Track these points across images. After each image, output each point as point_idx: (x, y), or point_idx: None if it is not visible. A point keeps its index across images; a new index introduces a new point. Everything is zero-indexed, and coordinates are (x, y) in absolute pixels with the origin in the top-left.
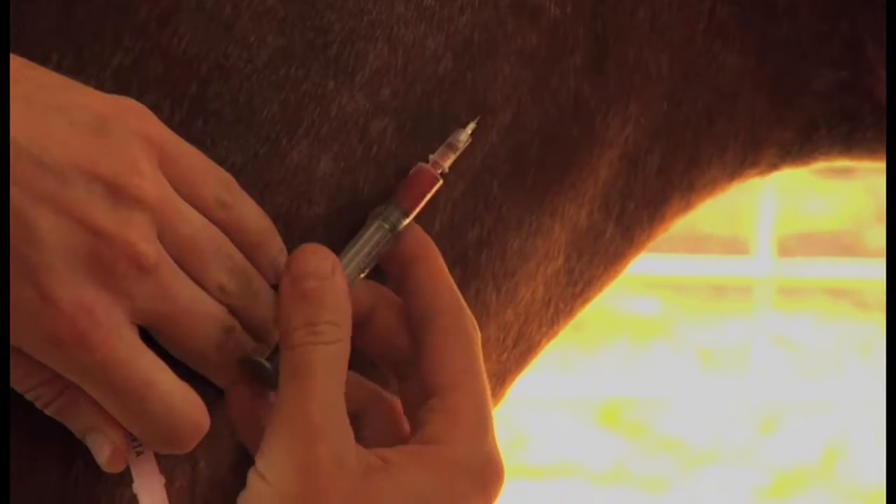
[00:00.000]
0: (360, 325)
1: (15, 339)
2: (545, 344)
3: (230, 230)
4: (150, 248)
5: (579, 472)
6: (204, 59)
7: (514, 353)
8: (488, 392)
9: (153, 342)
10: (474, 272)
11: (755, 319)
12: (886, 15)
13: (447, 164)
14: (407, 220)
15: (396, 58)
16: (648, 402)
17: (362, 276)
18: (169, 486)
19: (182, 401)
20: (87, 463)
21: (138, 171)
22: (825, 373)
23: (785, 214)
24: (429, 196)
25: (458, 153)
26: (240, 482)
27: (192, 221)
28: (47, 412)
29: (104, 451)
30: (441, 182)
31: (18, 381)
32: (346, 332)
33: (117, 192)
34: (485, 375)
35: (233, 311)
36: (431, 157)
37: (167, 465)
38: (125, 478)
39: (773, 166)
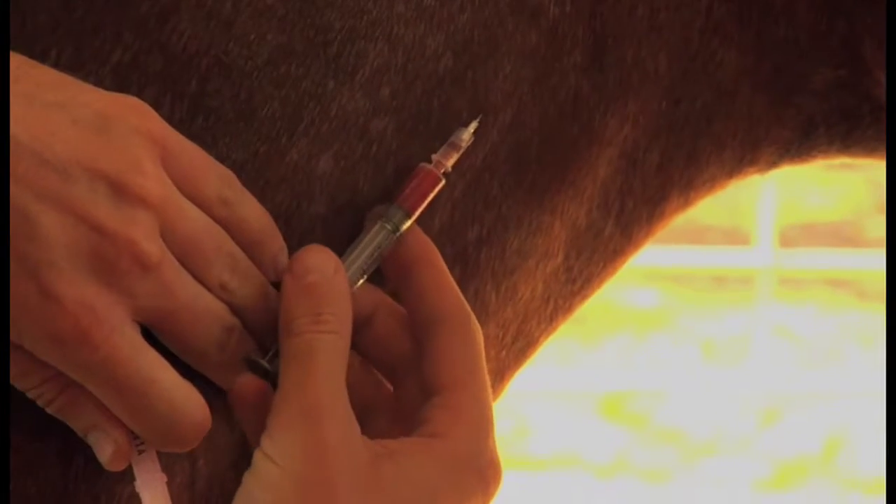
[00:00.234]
0: (359, 328)
1: (17, 337)
2: (544, 340)
3: (231, 227)
4: (152, 247)
5: (581, 464)
6: (204, 56)
7: (512, 350)
8: (490, 393)
9: (155, 341)
10: (474, 271)
11: (756, 310)
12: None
13: (450, 163)
14: (410, 221)
15: (396, 57)
16: (649, 394)
17: (365, 276)
18: (168, 483)
19: (184, 399)
20: (87, 460)
21: (141, 169)
22: (826, 363)
23: (786, 205)
24: (431, 196)
25: (460, 152)
26: (239, 480)
27: (194, 219)
28: (49, 410)
29: (106, 450)
30: (443, 182)
31: (19, 378)
32: (347, 327)
33: (120, 190)
34: (487, 377)
35: (234, 309)
36: (434, 156)
37: (167, 462)
38: (125, 475)
39: (773, 164)
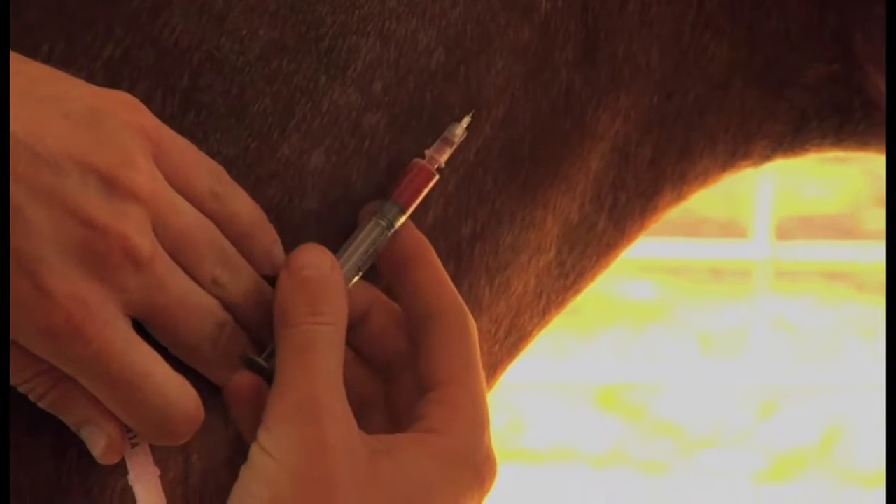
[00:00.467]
0: (354, 326)
1: (10, 331)
2: (537, 334)
3: (222, 222)
4: (144, 241)
5: (578, 457)
6: (196, 51)
7: (505, 345)
8: (486, 389)
9: (148, 337)
10: (468, 266)
11: (754, 303)
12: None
13: (443, 158)
14: (404, 217)
15: (388, 52)
16: (646, 386)
17: (360, 273)
18: (162, 478)
19: (177, 392)
20: (80, 454)
21: (132, 163)
22: (824, 356)
23: (783, 197)
24: (425, 192)
25: (453, 147)
26: (234, 476)
27: (186, 214)
28: (41, 405)
29: (99, 444)
30: (437, 177)
31: (12, 373)
32: (343, 321)
33: (112, 185)
34: (483, 373)
35: (226, 305)
36: (427, 152)
37: (160, 456)
38: (117, 469)
39: (766, 158)
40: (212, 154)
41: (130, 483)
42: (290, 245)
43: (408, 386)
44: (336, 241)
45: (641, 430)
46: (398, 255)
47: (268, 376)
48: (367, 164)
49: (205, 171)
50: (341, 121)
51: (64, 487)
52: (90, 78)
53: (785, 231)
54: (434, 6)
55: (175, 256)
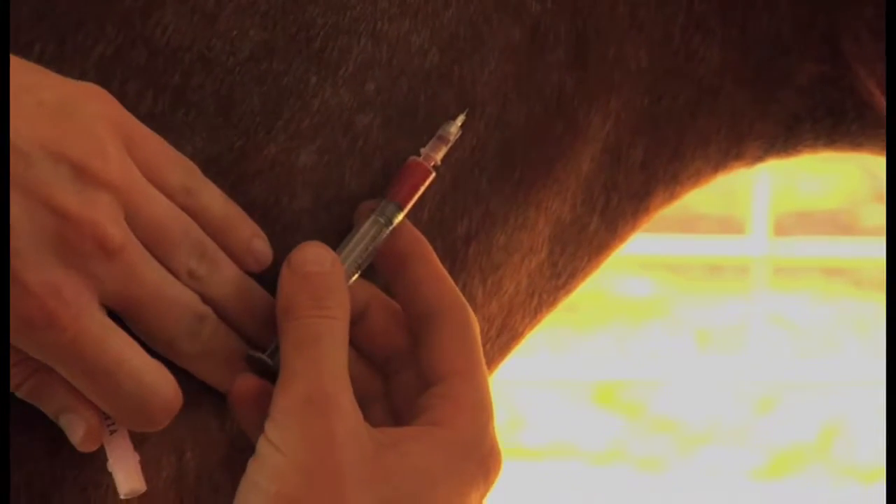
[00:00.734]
0: (354, 323)
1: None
2: (528, 333)
3: (195, 216)
4: (115, 229)
5: (576, 453)
6: (187, 51)
7: (497, 343)
8: (489, 383)
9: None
10: (462, 266)
11: (751, 299)
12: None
13: (439, 156)
14: (402, 214)
15: (381, 53)
16: (645, 383)
17: (359, 271)
18: (156, 477)
19: (153, 377)
20: (74, 451)
21: (104, 153)
22: (822, 352)
23: (781, 193)
24: (422, 189)
25: (449, 145)
26: (230, 476)
27: (159, 205)
28: (19, 394)
29: (78, 431)
30: (434, 175)
31: None
32: (346, 315)
33: (83, 174)
34: (485, 367)
35: (205, 299)
36: (423, 150)
37: (153, 454)
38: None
39: (758, 159)
40: (196, 152)
41: (110, 469)
42: (284, 244)
43: (407, 381)
44: (332, 241)
45: (640, 426)
46: (396, 253)
47: (272, 373)
48: (361, 164)
49: (177, 165)
50: (333, 121)
51: (58, 484)
52: (82, 76)
53: (783, 227)
54: (426, 7)
55: (149, 248)
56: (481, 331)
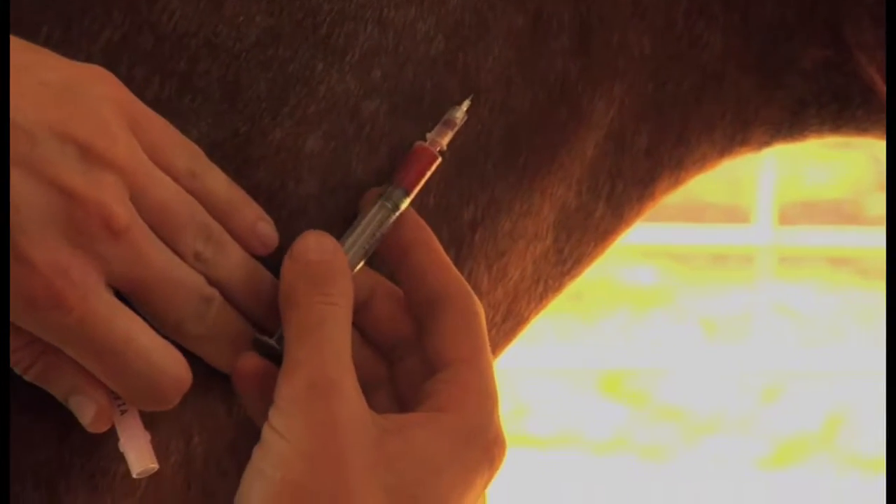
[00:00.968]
0: (358, 311)
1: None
2: (533, 318)
3: (200, 199)
4: (121, 209)
5: (581, 442)
6: (193, 37)
7: (502, 329)
8: (494, 370)
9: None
10: (468, 252)
11: (756, 288)
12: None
13: (445, 141)
14: (409, 199)
15: (387, 39)
16: (650, 372)
17: (366, 257)
18: (164, 462)
19: (162, 356)
20: (83, 437)
21: (110, 133)
22: (826, 341)
23: (786, 182)
24: (428, 174)
25: (455, 130)
26: (237, 460)
27: (165, 187)
28: (27, 377)
29: (88, 412)
30: (440, 160)
31: None
32: (349, 302)
33: (89, 154)
34: (490, 354)
35: (212, 281)
36: (428, 135)
37: (161, 438)
38: (121, 455)
39: (765, 144)
40: (200, 137)
41: (121, 449)
42: (290, 229)
43: (412, 368)
44: (337, 226)
45: (645, 415)
46: (401, 240)
47: (278, 358)
48: (368, 151)
49: (182, 149)
50: (339, 107)
51: (66, 471)
52: (89, 61)
53: (788, 216)
54: None
55: (155, 230)
56: (487, 317)
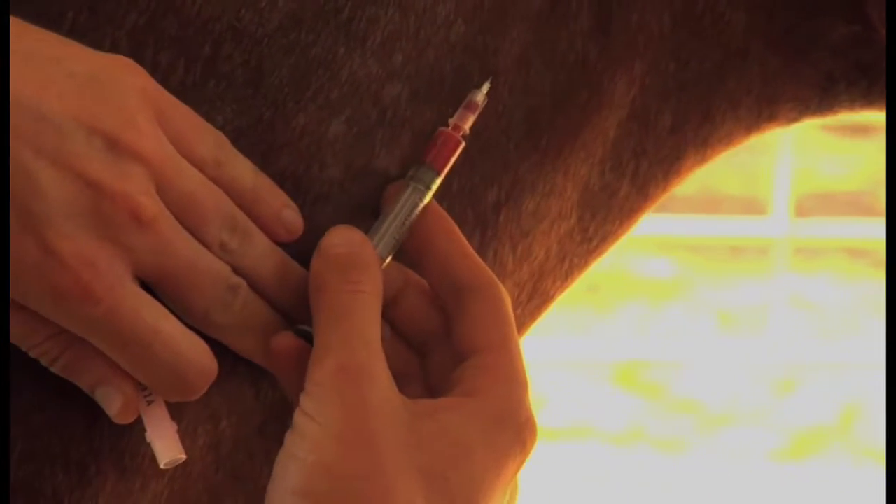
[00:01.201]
0: (389, 305)
1: (19, 295)
2: (559, 296)
3: (226, 188)
4: (148, 201)
5: (596, 434)
6: (217, 21)
7: (528, 308)
8: (522, 355)
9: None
10: (493, 234)
11: (772, 280)
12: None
13: (467, 125)
14: (439, 179)
15: (408, 24)
16: (665, 364)
17: (396, 248)
18: (191, 444)
19: (189, 346)
20: (110, 422)
21: (136, 125)
22: (843, 333)
23: (802, 174)
24: (453, 159)
25: (476, 114)
26: (266, 444)
27: (190, 178)
28: (54, 369)
29: (115, 403)
30: (463, 144)
31: (23, 338)
32: (378, 290)
33: (116, 146)
34: (518, 340)
35: (238, 271)
36: (451, 120)
37: (189, 423)
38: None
39: (794, 119)
40: (225, 123)
41: (148, 440)
42: (314, 214)
43: (443, 360)
44: (362, 211)
45: (660, 407)
46: (424, 230)
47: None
48: (391, 135)
49: (207, 137)
50: (361, 91)
51: (95, 454)
52: (114, 46)
53: (804, 208)
54: None
55: (181, 220)
56: (513, 296)
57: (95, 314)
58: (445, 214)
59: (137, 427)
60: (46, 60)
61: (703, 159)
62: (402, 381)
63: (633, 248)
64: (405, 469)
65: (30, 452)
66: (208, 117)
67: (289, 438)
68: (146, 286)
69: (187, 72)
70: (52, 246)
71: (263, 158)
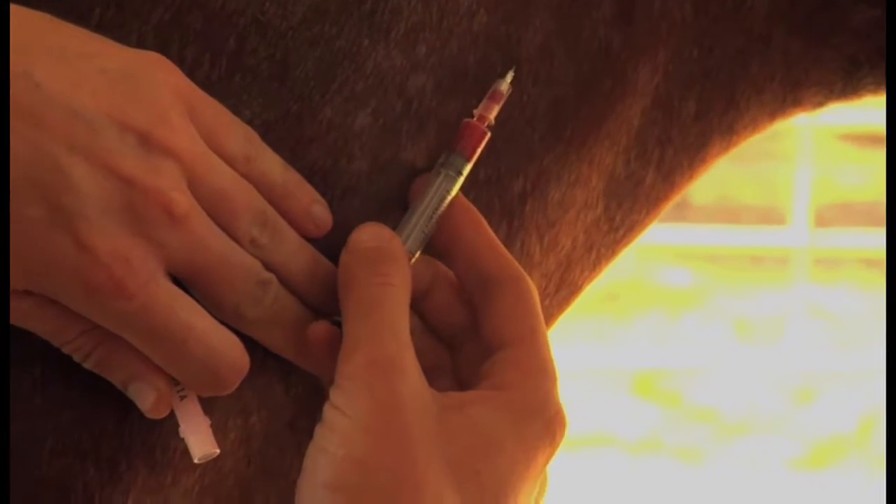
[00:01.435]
0: (419, 300)
1: (51, 291)
2: (587, 286)
3: (256, 184)
4: (180, 196)
5: (614, 442)
6: (241, 15)
7: (556, 299)
8: (551, 348)
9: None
10: (520, 224)
11: (791, 290)
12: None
13: (492, 115)
14: (470, 164)
15: (431, 14)
16: (683, 372)
17: (426, 239)
18: (222, 438)
19: (221, 341)
20: (143, 415)
21: (168, 121)
22: (861, 343)
23: (821, 184)
24: (480, 150)
25: (500, 103)
26: (296, 438)
27: (222, 173)
28: (87, 365)
29: (148, 398)
30: (489, 135)
31: (55, 334)
32: (406, 283)
33: (148, 142)
34: (546, 333)
35: (267, 266)
36: (475, 111)
37: (219, 417)
38: (178, 430)
39: (819, 104)
40: (252, 117)
41: (182, 435)
42: (343, 206)
43: (472, 353)
44: (389, 203)
45: (678, 416)
46: (451, 223)
47: None
48: (417, 127)
49: (237, 133)
50: (386, 83)
51: (126, 449)
52: (141, 41)
53: (823, 218)
54: None
55: (212, 215)
56: (540, 287)
57: (129, 310)
58: (472, 207)
59: (168, 422)
60: (78, 57)
61: (728, 146)
62: (432, 374)
63: (652, 257)
64: (435, 462)
65: (60, 449)
66: (235, 111)
67: (318, 432)
68: (177, 282)
69: (213, 66)
70: (85, 241)
71: (292, 153)
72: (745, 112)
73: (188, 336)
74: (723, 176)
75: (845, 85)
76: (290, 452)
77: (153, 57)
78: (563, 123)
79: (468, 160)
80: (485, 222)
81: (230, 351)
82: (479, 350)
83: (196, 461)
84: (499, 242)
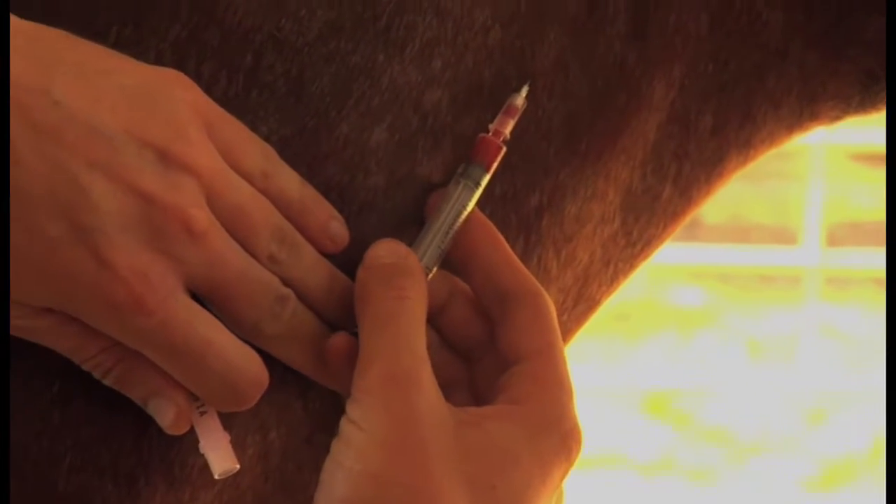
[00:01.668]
0: (436, 314)
1: (73, 308)
2: (605, 301)
3: (273, 200)
4: (199, 213)
5: (626, 463)
6: (258, 31)
7: (574, 313)
8: (567, 363)
9: None
10: (537, 239)
11: (803, 309)
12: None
13: (507, 130)
14: (489, 175)
15: (446, 30)
16: (695, 393)
17: (444, 254)
18: (241, 454)
19: (241, 357)
20: (161, 431)
21: (187, 138)
22: (874, 363)
23: (833, 204)
24: (496, 164)
25: (516, 118)
26: (314, 453)
27: (240, 190)
28: (106, 382)
29: (168, 414)
30: (505, 149)
31: (76, 351)
32: (422, 297)
33: (167, 159)
34: (563, 348)
35: (285, 282)
36: (491, 126)
37: (238, 434)
38: (197, 446)
39: (836, 118)
40: (270, 133)
41: (202, 451)
42: (359, 222)
43: (488, 369)
44: (405, 218)
45: (690, 436)
46: (468, 239)
47: None
48: (433, 142)
49: (255, 149)
50: (402, 98)
51: (144, 465)
52: (159, 58)
53: (835, 238)
54: None
55: (230, 231)
56: (557, 302)
57: (149, 326)
58: (489, 222)
59: (186, 438)
60: (97, 73)
61: (745, 160)
62: (449, 388)
63: (663, 277)
64: (451, 477)
65: (79, 465)
66: (252, 127)
67: (335, 447)
68: (197, 298)
69: (230, 82)
70: (105, 258)
71: (309, 169)
72: (763, 126)
73: (207, 351)
74: (735, 195)
75: (862, 98)
76: (307, 468)
77: (171, 73)
78: (578, 138)
79: (486, 171)
80: (502, 238)
81: (249, 366)
82: (495, 364)
83: (217, 477)
84: (515, 258)
